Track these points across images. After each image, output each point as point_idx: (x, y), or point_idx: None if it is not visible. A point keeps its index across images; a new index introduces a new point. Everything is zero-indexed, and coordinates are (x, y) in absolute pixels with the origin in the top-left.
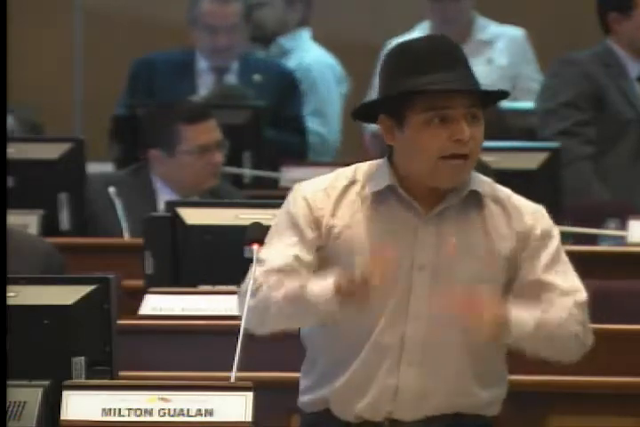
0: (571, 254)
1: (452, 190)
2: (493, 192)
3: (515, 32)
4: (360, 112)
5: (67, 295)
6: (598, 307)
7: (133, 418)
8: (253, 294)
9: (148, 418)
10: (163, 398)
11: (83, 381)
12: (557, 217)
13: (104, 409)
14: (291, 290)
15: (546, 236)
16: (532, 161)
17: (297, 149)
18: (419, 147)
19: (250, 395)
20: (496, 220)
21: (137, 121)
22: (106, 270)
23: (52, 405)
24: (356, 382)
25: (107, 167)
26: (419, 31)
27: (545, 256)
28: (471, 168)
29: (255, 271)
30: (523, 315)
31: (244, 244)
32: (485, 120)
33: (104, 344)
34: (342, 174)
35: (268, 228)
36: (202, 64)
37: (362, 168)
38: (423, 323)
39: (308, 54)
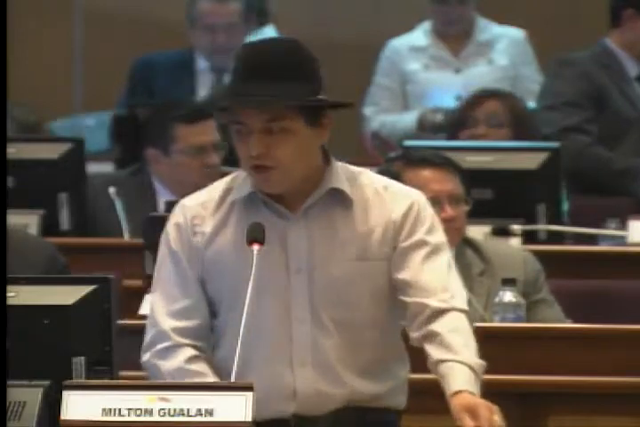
0: (571, 254)
1: (314, 189)
2: (370, 184)
3: (515, 33)
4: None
5: (67, 295)
6: (598, 307)
7: (133, 418)
8: (146, 355)
9: (147, 418)
10: (163, 398)
11: (83, 381)
12: (557, 217)
13: (104, 409)
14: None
15: (417, 230)
16: (532, 161)
17: None
18: (239, 155)
19: (250, 395)
20: (370, 215)
21: (137, 121)
22: (106, 270)
23: (52, 405)
24: (259, 385)
25: (107, 167)
26: (419, 31)
27: (416, 250)
28: (284, 176)
29: (148, 327)
30: (465, 375)
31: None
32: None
33: (104, 344)
34: (219, 184)
35: None
36: (201, 64)
37: (239, 176)
38: (307, 325)
39: None
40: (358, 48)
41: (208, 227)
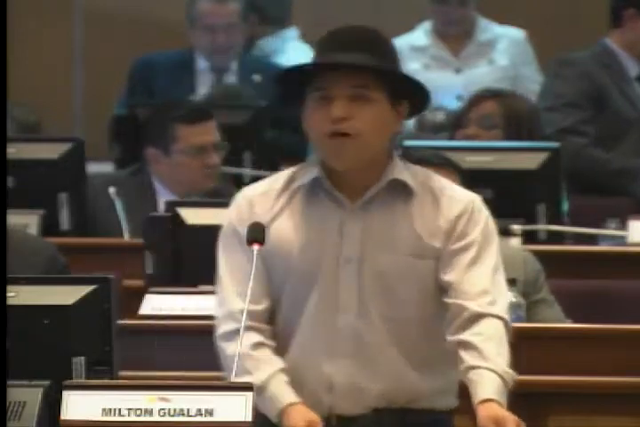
0: (571, 254)
1: (375, 181)
2: (426, 181)
3: (516, 33)
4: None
5: (67, 295)
6: (598, 307)
7: (133, 418)
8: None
9: (148, 418)
10: (163, 398)
11: (83, 381)
12: (557, 217)
13: (104, 409)
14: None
15: (468, 233)
16: (532, 161)
17: (297, 149)
18: (309, 126)
19: (250, 395)
20: (425, 210)
21: (137, 121)
22: (106, 270)
23: (52, 405)
24: (295, 373)
25: (107, 167)
26: (419, 31)
27: (464, 254)
28: (359, 148)
29: (216, 307)
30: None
31: None
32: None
33: (104, 344)
34: (282, 175)
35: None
36: (201, 64)
37: (302, 166)
38: (353, 315)
39: (285, 59)
40: None
41: (268, 215)
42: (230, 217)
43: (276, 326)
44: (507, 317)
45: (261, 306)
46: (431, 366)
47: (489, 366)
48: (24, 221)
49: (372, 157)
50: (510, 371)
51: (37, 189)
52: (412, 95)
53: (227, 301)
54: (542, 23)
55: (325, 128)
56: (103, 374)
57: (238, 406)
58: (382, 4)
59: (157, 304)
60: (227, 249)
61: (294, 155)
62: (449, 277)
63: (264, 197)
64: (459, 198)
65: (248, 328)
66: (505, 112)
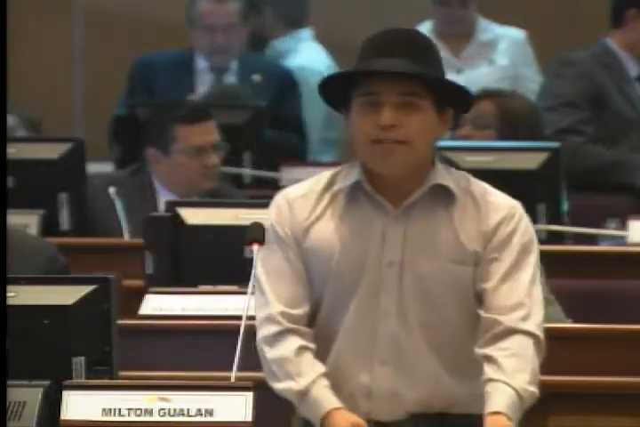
0: (571, 254)
1: (418, 186)
2: (468, 187)
3: (516, 33)
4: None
5: (67, 295)
6: (598, 307)
7: (133, 418)
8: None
9: (148, 418)
10: (163, 398)
11: (83, 381)
12: (557, 217)
13: (104, 409)
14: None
15: (507, 241)
16: (532, 161)
17: (297, 149)
18: (355, 131)
19: (250, 395)
20: (467, 215)
21: (137, 121)
22: (106, 270)
23: (52, 405)
24: (333, 377)
25: (107, 167)
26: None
27: (500, 264)
28: (408, 154)
29: (257, 310)
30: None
31: (244, 244)
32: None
33: (104, 344)
34: (321, 177)
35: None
36: (201, 64)
37: (342, 170)
38: (392, 320)
39: (298, 59)
40: (358, 48)
41: (308, 218)
42: (270, 218)
43: (315, 328)
44: (539, 332)
45: (302, 309)
46: (468, 371)
47: (505, 380)
48: (24, 221)
49: (417, 162)
50: (531, 389)
51: (37, 189)
52: (457, 102)
53: (267, 304)
54: (542, 23)
55: (373, 134)
56: (103, 374)
57: (238, 406)
58: (383, 5)
59: (157, 304)
60: (266, 251)
61: (294, 155)
62: (485, 285)
63: (304, 199)
64: (500, 205)
65: (290, 331)
66: (499, 112)
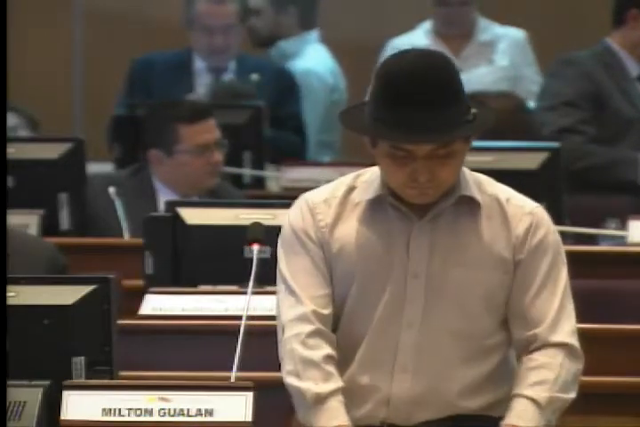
0: (571, 254)
1: (443, 196)
2: (492, 194)
3: (516, 34)
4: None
5: (67, 295)
6: (598, 307)
7: (133, 418)
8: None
9: (147, 418)
10: (163, 398)
11: (83, 381)
12: (557, 217)
13: (104, 409)
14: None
15: (538, 248)
16: (532, 161)
17: (297, 149)
18: (385, 171)
19: (250, 395)
20: (493, 222)
21: (137, 121)
22: (106, 270)
23: (52, 405)
24: (353, 387)
25: (107, 167)
26: (420, 31)
27: (532, 277)
28: (438, 191)
29: (282, 310)
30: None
31: (243, 244)
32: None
33: (104, 344)
34: (342, 182)
35: (267, 228)
36: (199, 64)
37: (363, 175)
38: (416, 330)
39: (302, 61)
40: (358, 48)
41: (330, 225)
42: (291, 221)
43: (337, 334)
44: (571, 341)
45: (330, 310)
46: (492, 380)
47: (522, 393)
48: (24, 221)
49: None
50: (555, 395)
51: (37, 189)
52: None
53: (299, 303)
54: (542, 23)
55: (406, 183)
56: (103, 374)
57: (238, 406)
58: (383, 4)
59: (157, 304)
60: (289, 253)
61: (294, 155)
62: (516, 295)
63: (326, 204)
64: (526, 210)
65: (321, 334)
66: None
